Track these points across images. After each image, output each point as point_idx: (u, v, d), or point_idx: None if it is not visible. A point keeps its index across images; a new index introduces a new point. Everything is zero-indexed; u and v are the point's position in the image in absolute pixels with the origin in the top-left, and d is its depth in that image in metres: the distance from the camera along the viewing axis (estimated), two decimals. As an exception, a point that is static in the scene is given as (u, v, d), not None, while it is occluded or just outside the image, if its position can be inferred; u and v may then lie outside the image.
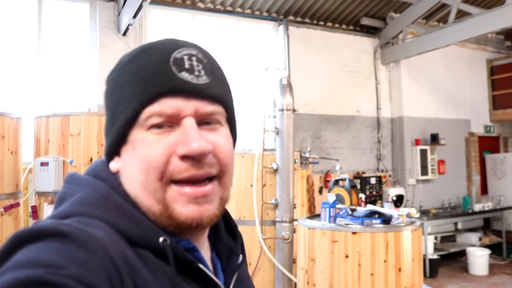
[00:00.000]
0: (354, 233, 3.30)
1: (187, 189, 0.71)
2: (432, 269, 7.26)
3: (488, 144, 9.84)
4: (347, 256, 3.28)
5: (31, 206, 3.86)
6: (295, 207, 4.45)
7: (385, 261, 3.25)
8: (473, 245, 8.06)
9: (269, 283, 4.39)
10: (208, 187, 0.73)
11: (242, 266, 0.87)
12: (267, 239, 4.37)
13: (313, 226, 3.53)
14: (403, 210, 3.65)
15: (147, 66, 0.72)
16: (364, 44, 8.34)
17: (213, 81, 0.74)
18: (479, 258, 7.45)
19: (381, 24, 8.37)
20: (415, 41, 7.89)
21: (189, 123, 0.71)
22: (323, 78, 7.75)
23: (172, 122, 0.72)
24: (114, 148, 0.76)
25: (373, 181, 7.88)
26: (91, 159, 3.80)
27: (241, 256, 0.87)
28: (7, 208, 3.49)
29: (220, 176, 0.74)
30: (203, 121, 0.73)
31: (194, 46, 0.76)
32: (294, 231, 4.31)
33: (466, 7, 7.17)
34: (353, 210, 3.67)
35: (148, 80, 0.71)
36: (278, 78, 4.47)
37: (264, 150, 4.45)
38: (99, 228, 0.66)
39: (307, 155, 4.78)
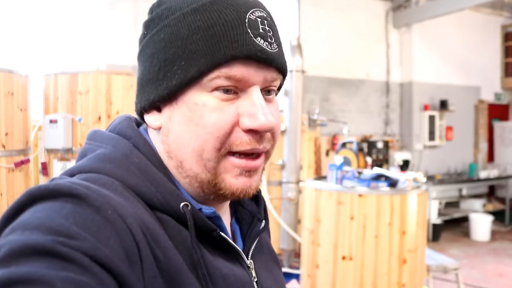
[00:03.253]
0: (360, 195, 3.33)
1: (243, 162, 0.68)
2: (435, 233, 7.35)
3: (498, 112, 9.75)
4: (352, 218, 3.33)
5: (41, 163, 3.90)
6: (301, 169, 4.48)
7: (389, 224, 3.29)
8: (476, 212, 8.13)
9: (274, 242, 4.46)
10: (260, 161, 0.70)
11: (264, 232, 0.84)
12: (273, 199, 4.43)
13: (319, 187, 3.56)
14: (410, 174, 3.66)
15: (221, 23, 0.65)
16: (376, 7, 8.17)
17: (280, 50, 0.70)
18: (481, 224, 7.53)
19: (394, -14, 8.17)
20: (429, 5, 7.72)
21: (258, 93, 0.68)
22: (333, 41, 7.64)
23: (238, 88, 0.67)
24: (158, 103, 0.70)
25: (380, 145, 7.87)
26: (100, 117, 3.81)
27: (263, 221, 0.82)
28: (17, 164, 3.53)
29: (270, 149, 0.72)
30: (265, 89, 0.70)
31: (263, 7, 0.70)
32: (300, 192, 4.36)
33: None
34: (359, 173, 3.69)
35: (222, 40, 0.64)
36: (288, 39, 4.42)
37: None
38: (117, 192, 0.62)
39: (315, 117, 4.77)
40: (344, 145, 4.31)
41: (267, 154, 0.72)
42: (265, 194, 4.39)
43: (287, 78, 4.36)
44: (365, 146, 7.40)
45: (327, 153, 7.32)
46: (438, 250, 6.63)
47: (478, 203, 8.47)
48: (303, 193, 3.89)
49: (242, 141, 0.67)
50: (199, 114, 0.66)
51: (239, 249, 0.74)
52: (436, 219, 7.47)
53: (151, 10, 0.73)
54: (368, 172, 3.64)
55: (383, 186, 3.44)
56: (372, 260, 3.27)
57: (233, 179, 0.68)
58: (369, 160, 4.24)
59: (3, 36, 5.46)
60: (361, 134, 7.93)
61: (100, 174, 0.65)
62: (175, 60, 0.66)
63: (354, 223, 3.33)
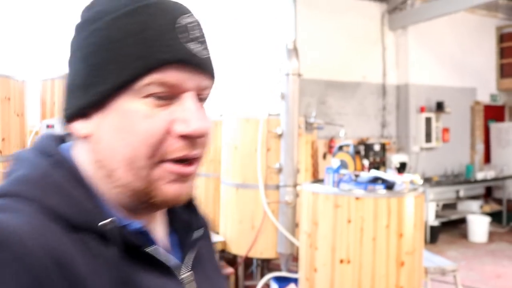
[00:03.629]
0: (357, 198, 3.33)
1: (177, 168, 0.66)
2: (433, 235, 7.36)
3: (494, 113, 9.79)
4: (349, 221, 3.33)
5: (38, 168, 3.91)
6: (298, 172, 4.49)
7: (387, 226, 3.29)
8: (474, 213, 8.14)
9: (272, 246, 4.47)
10: (193, 167, 0.69)
11: (203, 240, 0.80)
12: (271, 203, 4.43)
13: (316, 191, 3.56)
14: (406, 177, 3.67)
15: (154, 27, 0.64)
16: (372, 9, 8.20)
17: (210, 55, 0.70)
18: (479, 226, 7.54)
19: (389, -12, 8.21)
20: (424, 7, 7.76)
21: (192, 99, 0.66)
22: (329, 44, 7.66)
23: (172, 94, 0.65)
24: (87, 110, 0.66)
25: (377, 147, 7.83)
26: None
27: (202, 229, 0.79)
28: (14, 169, 3.53)
29: (202, 155, 0.71)
30: (199, 96, 0.69)
31: (193, 14, 0.70)
32: (297, 195, 4.36)
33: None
34: (356, 176, 3.70)
35: (155, 44, 0.63)
36: (284, 43, 4.43)
37: (269, 114, 4.45)
38: (31, 218, 0.58)
39: (312, 120, 4.78)
40: (340, 148, 4.32)
41: (199, 160, 0.71)
42: (262, 198, 4.39)
43: (284, 81, 4.38)
44: (362, 148, 7.39)
45: (324, 156, 7.34)
46: (436, 252, 6.64)
47: (475, 205, 8.48)
48: (301, 196, 3.89)
49: (176, 148, 0.65)
50: (130, 121, 0.64)
51: (173, 262, 0.71)
52: (433, 221, 7.48)
53: (83, 13, 0.70)
54: (365, 175, 3.65)
55: (380, 188, 3.45)
56: (370, 263, 3.27)
57: (166, 186, 0.66)
58: (366, 162, 4.25)
59: (0, 41, 5.46)
60: (358, 137, 7.95)
61: (18, 197, 0.62)
62: (106, 64, 0.64)
63: (351, 226, 3.34)
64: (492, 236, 7.68)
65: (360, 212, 3.32)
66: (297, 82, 4.36)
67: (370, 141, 7.85)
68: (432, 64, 8.67)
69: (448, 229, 8.01)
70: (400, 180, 3.50)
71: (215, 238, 4.74)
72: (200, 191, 5.66)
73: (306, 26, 7.21)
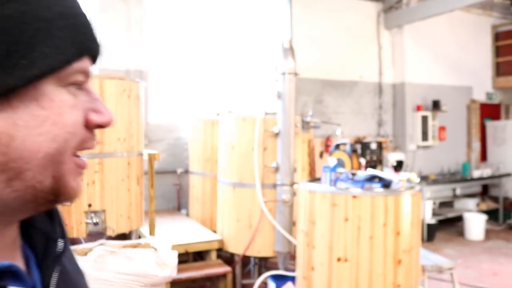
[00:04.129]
0: (354, 196, 3.33)
1: (82, 161, 0.62)
2: (430, 233, 7.38)
3: (490, 111, 9.82)
4: (347, 220, 3.33)
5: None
6: (295, 171, 4.49)
7: (384, 224, 3.30)
8: (470, 211, 8.17)
9: (269, 245, 4.47)
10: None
11: (65, 254, 0.67)
12: (268, 202, 4.43)
13: (313, 189, 3.56)
14: (403, 175, 3.67)
15: (79, 14, 0.60)
16: (368, 8, 8.22)
17: None
18: (475, 223, 7.56)
19: (385, -13, 8.22)
20: (420, 6, 7.77)
21: (93, 88, 0.63)
22: (325, 43, 7.67)
23: (84, 83, 0.62)
24: None
25: (373, 146, 7.89)
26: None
27: (60, 241, 0.66)
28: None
29: None
30: None
31: None
32: (294, 194, 4.36)
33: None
34: (353, 174, 3.70)
35: (82, 31, 0.60)
36: (280, 42, 4.43)
37: (266, 113, 4.45)
38: None
39: (308, 119, 4.78)
40: (337, 146, 4.33)
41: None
42: (259, 197, 4.39)
43: (281, 80, 4.38)
44: (358, 147, 7.43)
45: (321, 155, 7.34)
46: (433, 250, 6.65)
47: (472, 203, 8.51)
48: (298, 195, 3.89)
49: (88, 138, 0.62)
50: (57, 112, 0.57)
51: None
52: (430, 219, 7.50)
53: None
54: (362, 174, 3.66)
55: (377, 187, 3.46)
56: (367, 261, 3.28)
57: (73, 181, 0.61)
58: (362, 161, 4.25)
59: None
60: (354, 135, 7.96)
61: None
62: (34, 42, 0.54)
63: (348, 225, 3.34)
64: (488, 234, 7.71)
65: (357, 210, 3.32)
66: (293, 81, 4.36)
67: (366, 140, 7.87)
68: (428, 63, 8.69)
69: (445, 227, 8.03)
70: (397, 179, 3.51)
71: (212, 236, 4.75)
72: (197, 190, 5.66)
73: (302, 25, 7.21)
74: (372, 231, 3.30)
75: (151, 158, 4.05)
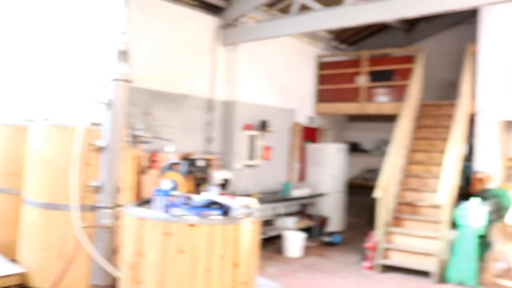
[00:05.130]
0: (191, 225, 2.96)
1: None
2: (253, 253, 7.38)
3: (310, 134, 10.49)
4: (181, 251, 2.94)
5: None
6: (120, 191, 3.92)
7: (222, 256, 2.99)
8: (289, 229, 8.46)
9: (85, 277, 3.81)
10: None
11: None
12: (85, 227, 3.77)
13: (143, 216, 3.10)
14: (242, 200, 3.43)
15: None
16: (206, 22, 8.03)
17: None
18: (294, 241, 7.85)
19: (225, 4, 8.14)
20: (256, 27, 7.89)
21: None
22: (159, 52, 7.22)
23: None
24: None
25: (201, 163, 7.67)
26: None
27: None
28: None
29: None
30: None
31: None
32: (117, 218, 3.80)
33: (308, 2, 7.37)
34: (189, 199, 3.33)
35: None
36: (114, 45, 3.86)
37: (92, 124, 3.81)
38: None
39: (138, 133, 4.27)
40: (171, 166, 3.92)
41: None
42: (75, 221, 3.71)
43: (111, 87, 3.79)
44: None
45: (143, 172, 6.77)
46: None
47: (291, 221, 8.85)
48: (123, 221, 3.36)
49: None
50: None
51: None
52: (254, 238, 7.52)
53: None
54: (199, 198, 3.31)
55: (215, 214, 3.14)
56: (203, 299, 2.92)
57: None
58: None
59: None
60: (181, 151, 7.61)
61: None
62: None
63: (183, 257, 2.94)
64: (306, 250, 8.06)
65: (194, 241, 2.95)
66: (126, 89, 3.82)
67: (194, 157, 7.60)
68: (259, 84, 8.88)
69: (266, 245, 8.17)
70: (236, 205, 3.24)
71: (11, 269, 3.87)
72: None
73: (137, 31, 6.64)
74: (209, 263, 2.96)
75: None
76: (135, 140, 4.30)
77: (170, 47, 7.39)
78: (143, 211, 3.17)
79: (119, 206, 3.83)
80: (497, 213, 6.77)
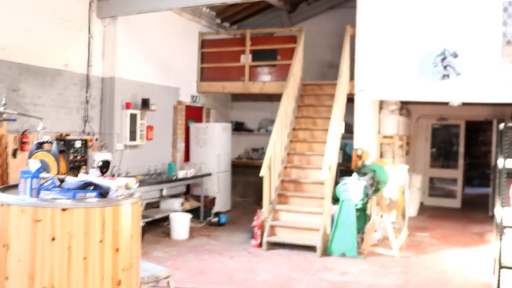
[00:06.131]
0: (63, 209, 2.68)
1: None
2: (138, 237, 7.10)
3: (193, 113, 10.31)
4: (54, 239, 2.65)
5: None
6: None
7: (101, 241, 2.75)
8: (176, 211, 8.30)
9: None
10: None
11: None
12: None
13: (7, 201, 2.75)
14: (121, 181, 3.19)
15: None
16: (78, -9, 7.40)
17: None
18: (180, 223, 7.72)
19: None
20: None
21: None
22: (26, 21, 6.47)
23: None
24: None
25: (78, 144, 7.16)
26: None
27: None
28: None
29: None
30: None
31: None
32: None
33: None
34: (62, 181, 3.02)
35: None
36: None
37: None
38: None
39: (1, 109, 3.78)
40: (40, 145, 3.53)
41: None
42: None
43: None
44: (61, 145, 6.55)
45: (14, 154, 6.13)
46: (142, 254, 6.40)
47: (177, 202, 8.69)
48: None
49: None
50: None
51: None
52: (138, 222, 7.24)
53: None
54: (73, 180, 3.01)
55: (91, 196, 2.87)
56: (81, 288, 2.67)
57: None
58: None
59: None
60: (57, 132, 7.01)
61: None
62: None
63: (56, 245, 2.66)
64: (192, 231, 7.97)
65: (68, 226, 2.68)
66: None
67: (70, 137, 7.07)
68: (140, 60, 8.46)
69: (152, 228, 7.93)
70: (114, 185, 3.00)
71: None
72: None
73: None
74: (86, 250, 2.71)
75: None
76: (-3, 118, 3.82)
77: (39, 16, 6.66)
78: (7, 196, 2.81)
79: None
80: (374, 187, 7.24)
